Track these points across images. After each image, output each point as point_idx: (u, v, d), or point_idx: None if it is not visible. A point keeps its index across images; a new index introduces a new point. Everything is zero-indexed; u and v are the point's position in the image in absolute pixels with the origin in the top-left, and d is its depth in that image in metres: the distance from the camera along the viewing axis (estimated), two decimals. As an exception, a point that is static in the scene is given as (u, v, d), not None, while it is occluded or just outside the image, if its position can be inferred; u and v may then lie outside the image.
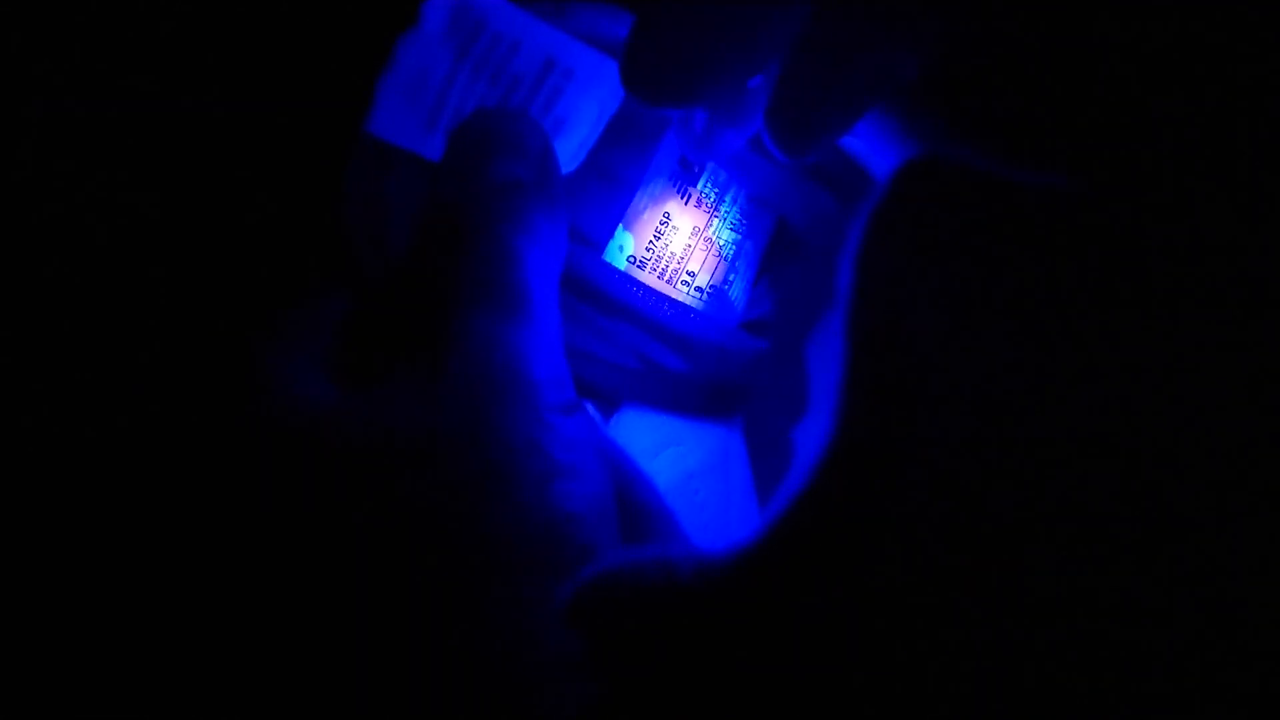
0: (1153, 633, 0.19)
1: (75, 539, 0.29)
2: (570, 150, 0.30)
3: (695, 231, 0.32)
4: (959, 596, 0.19)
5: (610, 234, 0.31)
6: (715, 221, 0.32)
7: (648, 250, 0.32)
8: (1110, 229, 0.21)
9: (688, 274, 0.32)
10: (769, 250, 0.33)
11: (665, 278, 0.32)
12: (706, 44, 0.25)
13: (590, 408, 0.31)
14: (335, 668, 0.24)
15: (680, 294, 0.32)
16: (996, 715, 0.19)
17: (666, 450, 0.31)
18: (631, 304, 0.31)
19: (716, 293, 0.32)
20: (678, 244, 0.32)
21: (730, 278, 0.32)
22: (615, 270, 0.31)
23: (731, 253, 0.32)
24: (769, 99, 0.25)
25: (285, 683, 0.24)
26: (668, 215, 0.32)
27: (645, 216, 0.32)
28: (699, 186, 0.32)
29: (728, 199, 0.32)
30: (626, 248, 0.31)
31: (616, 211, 0.31)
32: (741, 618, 0.20)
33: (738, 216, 0.33)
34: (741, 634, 0.20)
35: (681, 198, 0.32)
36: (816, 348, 0.32)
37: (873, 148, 0.29)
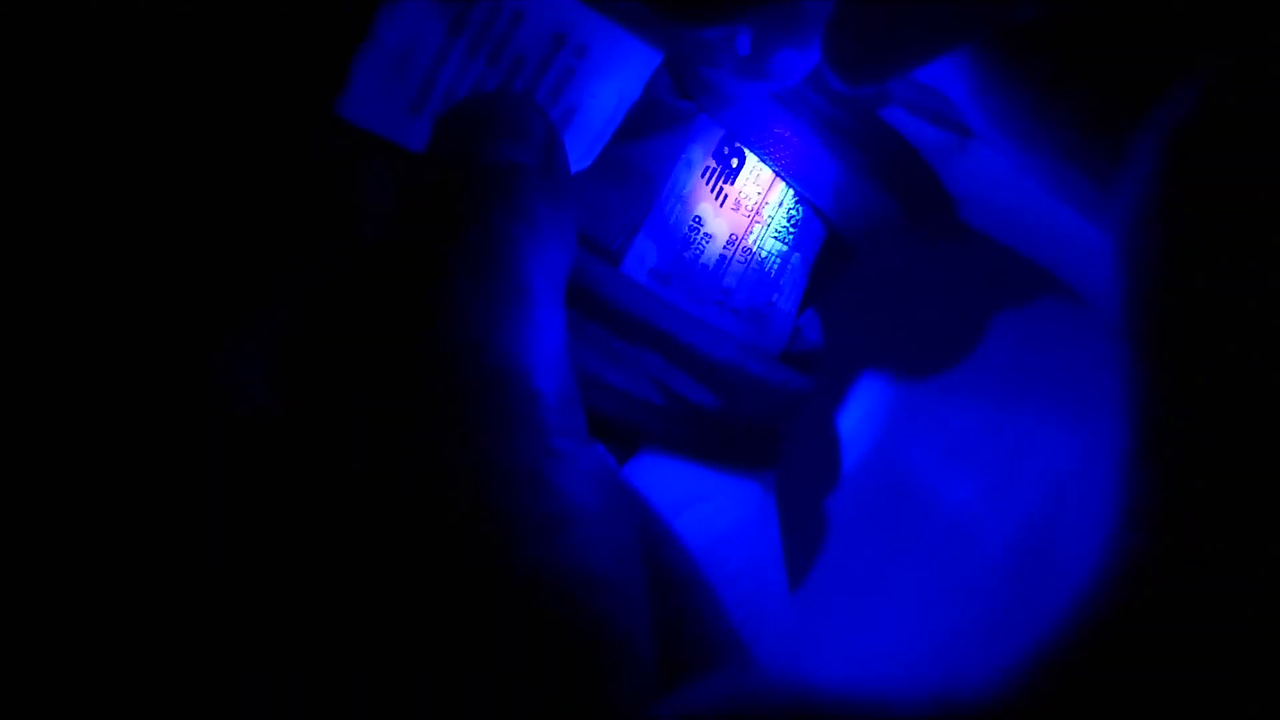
0: None
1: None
2: (583, 144, 0.25)
3: (733, 240, 0.27)
4: None
5: (630, 242, 0.26)
6: (757, 228, 0.27)
7: (675, 261, 0.27)
8: None
9: (722, 291, 0.27)
10: (817, 266, 0.28)
11: (695, 295, 0.27)
12: None
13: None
14: None
15: (713, 315, 0.27)
16: None
17: (692, 507, 0.26)
18: (654, 325, 0.26)
19: (756, 315, 0.27)
20: (711, 254, 0.27)
21: (773, 297, 0.27)
22: (634, 284, 0.26)
23: (776, 267, 0.27)
24: (832, 9, 0.20)
25: None
26: (699, 219, 0.27)
27: (672, 221, 0.27)
28: (739, 185, 0.27)
29: (773, 200, 0.27)
30: (649, 258, 0.26)
31: (637, 215, 0.26)
32: None
33: (784, 222, 0.27)
34: None
35: (717, 198, 0.27)
36: (849, 420, 0.27)
37: (961, 147, 0.24)
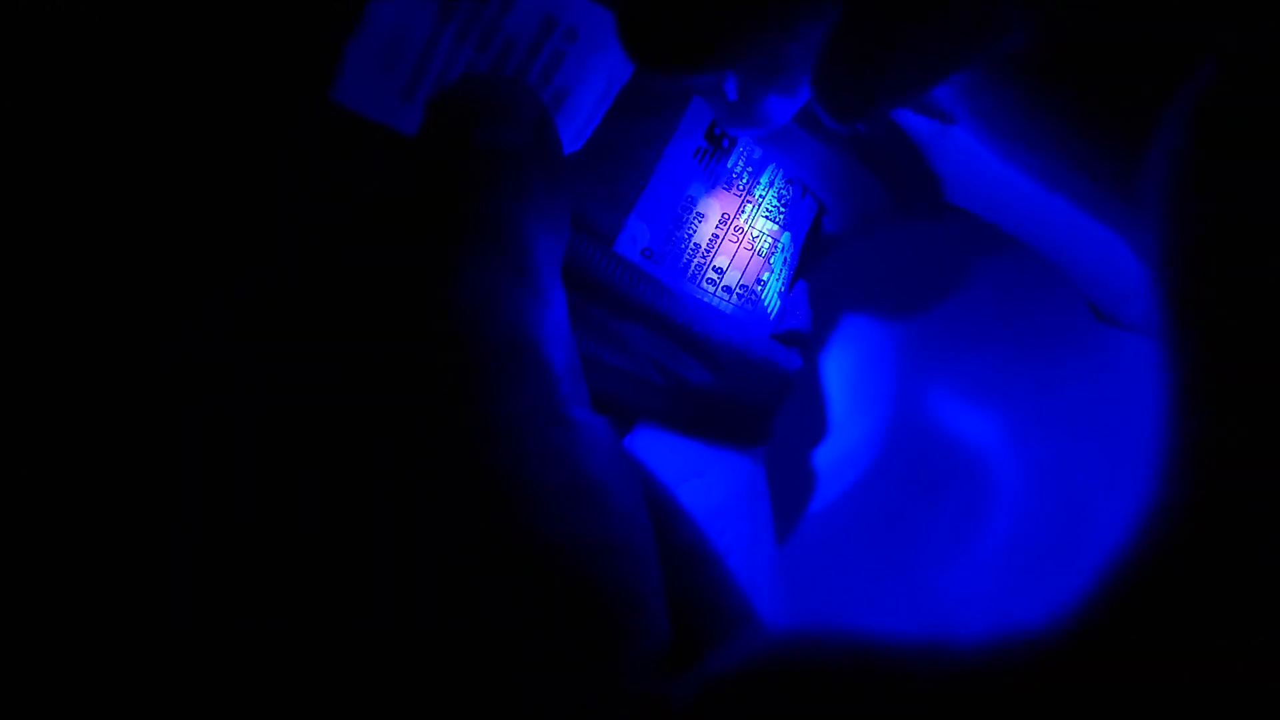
0: None
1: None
2: (574, 127, 0.25)
3: (724, 219, 0.27)
4: None
5: (622, 222, 0.27)
6: (749, 208, 0.27)
7: (667, 241, 0.27)
8: None
9: (714, 270, 0.27)
10: (806, 245, 0.28)
11: (687, 275, 0.27)
12: None
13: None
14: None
15: (705, 294, 0.27)
16: None
17: (686, 482, 0.26)
18: (647, 304, 0.26)
19: (748, 294, 0.27)
20: (703, 234, 0.27)
21: (764, 277, 0.28)
22: (628, 264, 0.26)
23: (767, 246, 0.28)
24: (822, 44, 0.20)
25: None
26: (691, 199, 0.27)
27: (664, 201, 0.27)
28: (730, 165, 0.27)
29: (764, 180, 0.27)
30: (641, 238, 0.27)
31: (629, 196, 0.26)
32: None
33: (775, 202, 0.28)
34: None
35: (708, 178, 0.27)
36: (835, 364, 0.27)
37: (945, 130, 0.24)
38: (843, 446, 0.28)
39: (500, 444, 0.20)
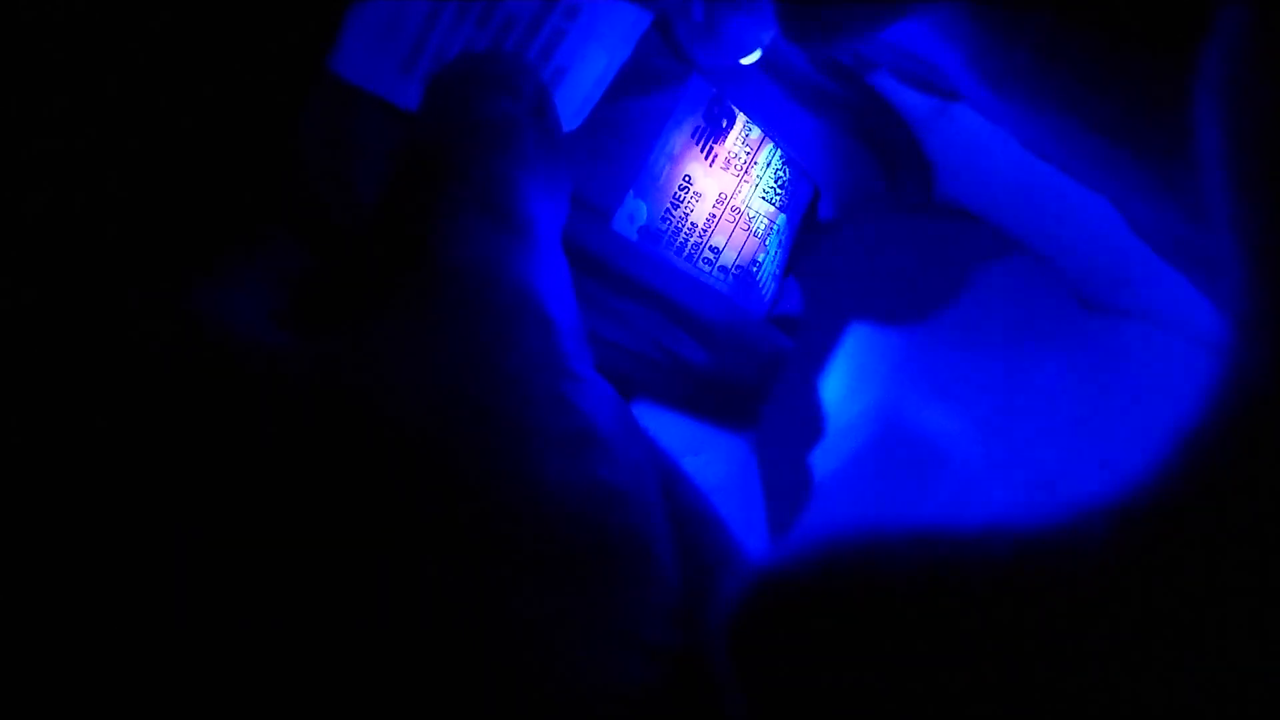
0: None
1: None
2: (573, 105, 0.25)
3: (722, 199, 0.27)
4: None
5: (619, 200, 0.27)
6: (746, 188, 0.27)
7: (664, 220, 0.27)
8: None
9: (711, 250, 0.27)
10: (801, 229, 0.28)
11: (684, 253, 0.27)
12: None
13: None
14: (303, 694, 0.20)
15: (701, 273, 0.27)
16: None
17: (685, 458, 0.26)
18: (644, 282, 0.27)
19: (743, 275, 0.27)
20: (700, 213, 0.27)
21: (760, 258, 0.28)
22: (625, 242, 0.27)
23: (763, 228, 0.28)
24: None
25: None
26: (689, 178, 0.27)
27: (662, 179, 0.27)
28: (728, 145, 0.27)
29: (761, 160, 0.27)
30: (638, 216, 0.27)
31: (627, 174, 0.27)
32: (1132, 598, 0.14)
33: (772, 183, 0.28)
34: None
35: (706, 157, 0.27)
36: (834, 379, 0.27)
37: (943, 110, 0.24)
38: (830, 435, 0.28)
39: (508, 393, 0.20)
